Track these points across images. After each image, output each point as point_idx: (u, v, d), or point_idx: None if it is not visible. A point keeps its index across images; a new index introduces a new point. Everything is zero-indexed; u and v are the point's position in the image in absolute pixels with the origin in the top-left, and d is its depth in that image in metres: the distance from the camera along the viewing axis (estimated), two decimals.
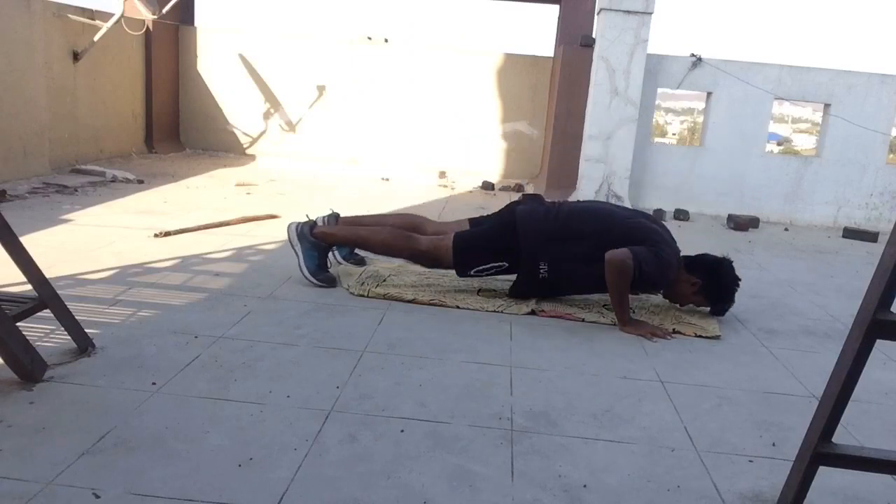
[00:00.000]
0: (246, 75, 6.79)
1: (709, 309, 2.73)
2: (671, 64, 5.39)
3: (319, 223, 2.84)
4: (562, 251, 2.60)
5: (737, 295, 2.69)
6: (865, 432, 1.86)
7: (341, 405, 1.75)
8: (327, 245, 2.80)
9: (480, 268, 2.68)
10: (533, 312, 2.61)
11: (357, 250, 3.08)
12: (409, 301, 2.62)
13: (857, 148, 5.41)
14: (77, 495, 1.31)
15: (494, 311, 2.60)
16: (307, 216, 2.88)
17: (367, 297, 2.64)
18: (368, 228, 2.81)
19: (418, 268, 3.06)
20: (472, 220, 2.86)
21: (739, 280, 2.70)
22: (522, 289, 2.71)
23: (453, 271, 3.03)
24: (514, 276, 2.72)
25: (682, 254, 2.69)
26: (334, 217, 2.90)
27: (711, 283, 2.65)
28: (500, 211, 2.82)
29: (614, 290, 2.49)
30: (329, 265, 2.84)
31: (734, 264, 2.70)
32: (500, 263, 2.66)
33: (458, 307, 2.61)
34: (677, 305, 2.76)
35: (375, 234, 2.77)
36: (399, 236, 2.74)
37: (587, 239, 2.58)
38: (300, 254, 2.74)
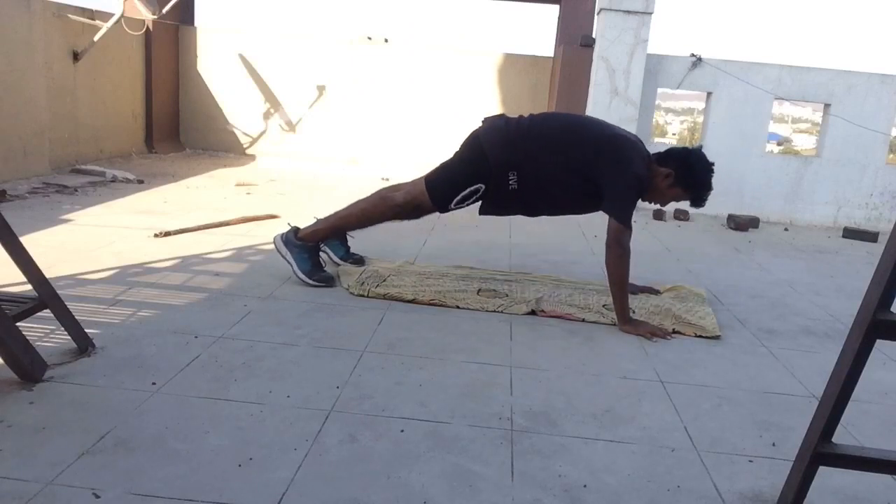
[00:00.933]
0: (246, 75, 6.79)
1: (689, 203, 2.71)
2: (671, 64, 5.39)
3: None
4: (530, 160, 2.60)
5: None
6: (865, 432, 1.86)
7: (341, 405, 1.75)
8: (315, 244, 2.81)
9: (459, 197, 2.66)
10: (533, 312, 2.61)
11: (353, 250, 3.08)
12: (409, 301, 2.62)
13: (857, 148, 5.41)
14: (77, 495, 1.31)
15: (494, 312, 2.60)
16: (288, 224, 2.89)
17: (367, 297, 2.64)
18: (346, 208, 2.83)
19: (418, 268, 3.06)
20: (441, 164, 2.85)
21: (713, 164, 2.69)
22: (492, 202, 2.70)
23: (455, 272, 3.03)
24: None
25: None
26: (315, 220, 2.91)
27: (684, 172, 2.64)
28: (464, 140, 2.79)
29: (615, 275, 2.51)
30: (324, 264, 2.84)
31: (703, 149, 2.72)
32: (476, 186, 2.63)
33: (458, 307, 2.61)
34: (677, 305, 2.76)
35: (353, 208, 2.79)
36: (376, 200, 2.76)
37: (555, 149, 2.59)
38: (291, 260, 2.75)
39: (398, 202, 2.72)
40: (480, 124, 2.77)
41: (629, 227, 2.54)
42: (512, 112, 6.48)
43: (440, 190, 2.67)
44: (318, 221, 2.86)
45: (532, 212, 2.79)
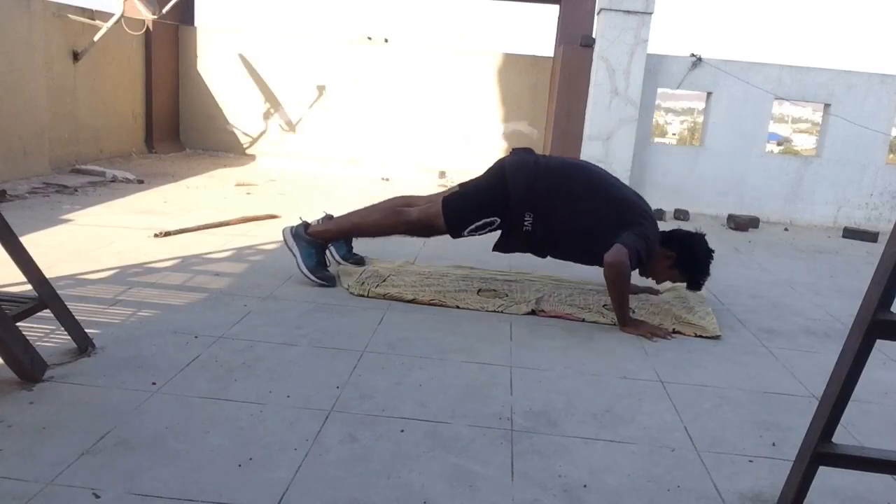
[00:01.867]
0: (246, 75, 6.79)
1: (685, 285, 2.75)
2: (671, 64, 5.39)
3: (314, 224, 2.86)
4: (548, 206, 2.59)
5: (712, 268, 2.72)
6: (865, 432, 1.86)
7: (341, 405, 1.75)
8: (323, 242, 2.81)
9: (473, 226, 2.65)
10: (533, 312, 2.61)
11: (355, 250, 3.08)
12: (409, 301, 2.62)
13: (857, 148, 5.41)
14: (77, 495, 1.31)
15: (494, 312, 2.60)
16: (300, 218, 2.89)
17: (368, 297, 2.64)
18: (360, 214, 2.82)
19: (418, 268, 3.06)
20: (461, 185, 2.85)
21: (713, 252, 2.72)
22: (505, 240, 2.70)
23: (455, 272, 3.03)
24: None
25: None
26: (328, 218, 2.92)
27: (686, 256, 2.67)
28: (490, 167, 2.79)
29: (615, 290, 2.49)
30: (328, 264, 2.85)
31: (706, 237, 2.74)
32: (492, 219, 2.63)
33: (458, 307, 2.61)
34: (677, 305, 2.76)
35: (367, 217, 2.79)
36: (390, 213, 2.75)
37: (574, 200, 2.58)
38: (297, 253, 2.75)
39: (412, 220, 2.71)
40: (509, 154, 2.77)
41: (631, 263, 2.47)
42: (511, 111, 6.43)
43: (456, 216, 2.66)
44: (331, 221, 2.86)
45: (541, 254, 2.79)
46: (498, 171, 2.69)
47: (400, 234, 2.82)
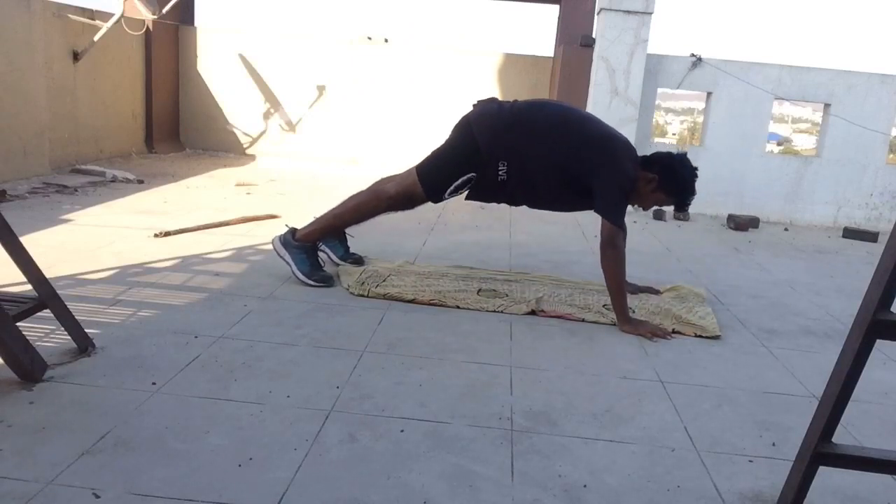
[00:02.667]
0: (246, 75, 6.79)
1: (673, 207, 2.72)
2: (671, 64, 5.39)
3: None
4: (519, 150, 2.58)
5: (697, 185, 2.67)
6: (865, 432, 1.86)
7: (341, 405, 1.75)
8: (312, 244, 2.81)
9: (452, 187, 2.64)
10: (533, 312, 2.61)
11: (353, 250, 3.08)
12: (409, 301, 2.62)
13: (857, 148, 5.41)
14: (77, 495, 1.31)
15: (494, 312, 2.60)
16: (286, 225, 2.89)
17: (367, 296, 2.64)
18: (339, 205, 2.83)
19: (418, 268, 3.06)
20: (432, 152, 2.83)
21: (696, 169, 2.68)
22: (480, 190, 2.69)
23: (454, 272, 3.03)
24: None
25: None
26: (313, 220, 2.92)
27: (668, 176, 2.62)
28: (455, 125, 2.76)
29: (611, 273, 2.51)
30: (323, 264, 2.85)
31: (688, 155, 2.71)
32: (469, 175, 2.62)
33: (458, 307, 2.61)
34: (677, 305, 2.76)
35: (347, 204, 2.80)
36: (368, 195, 2.77)
37: (544, 141, 2.57)
38: (290, 261, 2.76)
39: (390, 194, 2.72)
40: (472, 108, 2.75)
41: (623, 228, 2.54)
42: None
43: (432, 180, 2.67)
44: (314, 221, 2.86)
45: (516, 203, 2.79)
46: (464, 126, 2.67)
47: (384, 213, 2.81)
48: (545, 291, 2.84)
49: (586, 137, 2.60)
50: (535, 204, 2.80)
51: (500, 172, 2.61)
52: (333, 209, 2.84)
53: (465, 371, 2.03)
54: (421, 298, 2.63)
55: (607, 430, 1.74)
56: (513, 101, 2.74)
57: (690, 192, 2.67)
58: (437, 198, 2.70)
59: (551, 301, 2.72)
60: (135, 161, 5.88)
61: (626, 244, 2.60)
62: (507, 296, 2.75)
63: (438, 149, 2.76)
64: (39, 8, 4.59)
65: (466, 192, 2.72)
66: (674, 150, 2.74)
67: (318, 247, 2.89)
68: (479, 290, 2.79)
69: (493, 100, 2.77)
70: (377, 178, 2.90)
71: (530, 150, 2.59)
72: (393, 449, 1.56)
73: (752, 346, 2.49)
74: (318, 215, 2.92)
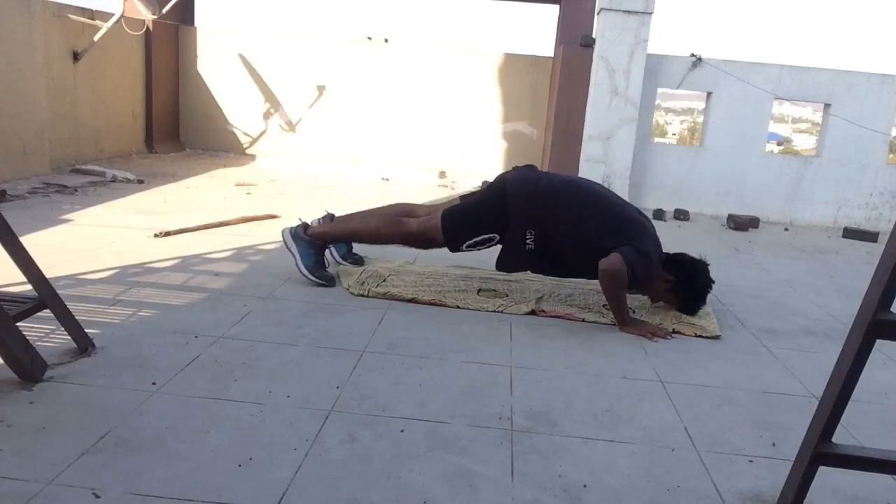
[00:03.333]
0: (246, 75, 6.79)
1: (676, 308, 2.71)
2: (671, 64, 5.39)
3: (313, 224, 2.86)
4: (550, 224, 2.57)
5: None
6: (865, 432, 1.86)
7: (341, 405, 1.75)
8: (322, 243, 2.81)
9: (471, 241, 2.64)
10: (533, 312, 2.61)
11: (355, 250, 3.08)
12: (409, 300, 2.62)
13: (857, 148, 5.41)
14: (77, 495, 1.31)
15: (494, 311, 2.60)
16: (300, 219, 2.89)
17: (368, 296, 2.64)
18: (359, 220, 2.82)
19: (418, 268, 3.06)
20: (462, 197, 2.84)
21: (713, 282, 2.70)
22: (507, 258, 2.68)
23: (454, 272, 3.03)
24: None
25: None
26: (329, 217, 2.92)
27: (685, 282, 2.64)
28: (491, 182, 2.77)
29: (610, 296, 2.50)
30: (327, 264, 2.85)
31: (710, 267, 2.71)
32: (491, 235, 2.62)
33: (458, 307, 2.61)
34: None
35: (366, 223, 2.78)
36: (389, 222, 2.75)
37: (575, 218, 2.56)
38: (296, 253, 2.75)
39: (411, 231, 2.71)
40: (511, 170, 2.75)
41: (627, 273, 2.45)
42: (511, 111, 6.45)
43: (454, 229, 2.65)
44: (331, 224, 2.86)
45: (543, 272, 2.77)
46: (499, 187, 2.67)
47: (398, 244, 2.83)
48: (545, 291, 2.84)
49: (621, 224, 2.58)
50: (561, 274, 2.79)
51: (527, 241, 2.60)
52: (352, 220, 2.82)
53: (465, 371, 2.03)
54: (421, 298, 2.64)
55: (607, 430, 1.74)
56: (551, 173, 2.74)
57: (702, 301, 2.69)
58: (455, 247, 2.69)
59: (551, 301, 2.72)
60: (135, 161, 5.88)
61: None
62: (507, 295, 2.75)
63: (468, 200, 2.75)
64: (39, 8, 4.59)
65: (496, 259, 2.70)
66: (696, 257, 2.73)
67: (327, 246, 2.89)
68: (479, 290, 2.79)
69: (532, 168, 2.77)
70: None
71: (561, 224, 2.57)
72: (393, 449, 1.56)
73: (752, 346, 2.49)
74: (330, 211, 2.92)
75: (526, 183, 2.64)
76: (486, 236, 2.63)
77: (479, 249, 2.69)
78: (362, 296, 2.65)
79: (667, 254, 2.71)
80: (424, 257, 3.32)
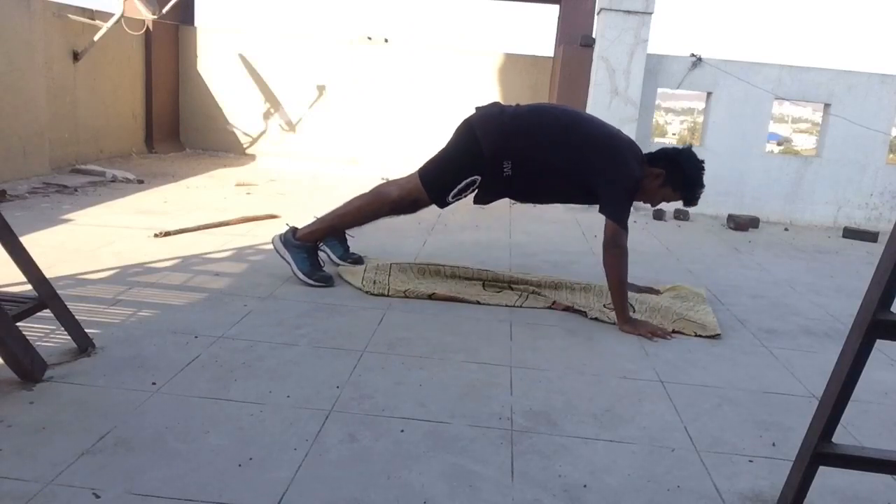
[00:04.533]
0: (246, 75, 6.79)
1: (681, 202, 2.71)
2: (671, 64, 5.39)
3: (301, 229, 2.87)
4: (523, 150, 2.59)
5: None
6: (865, 432, 1.86)
7: (341, 405, 1.75)
8: (313, 244, 2.81)
9: (455, 190, 2.65)
10: (554, 304, 2.67)
11: (353, 250, 3.08)
12: (429, 297, 2.65)
13: (857, 148, 5.41)
14: (77, 495, 1.31)
15: (513, 307, 2.65)
16: (286, 224, 2.89)
17: (388, 295, 2.66)
18: (343, 206, 2.83)
19: (418, 267, 3.05)
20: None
21: (703, 162, 2.67)
22: (486, 191, 2.69)
23: (455, 271, 3.03)
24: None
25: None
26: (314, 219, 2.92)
27: (674, 170, 2.62)
28: (456, 129, 2.77)
29: (614, 277, 2.52)
30: (322, 264, 2.85)
31: (693, 148, 2.72)
32: (472, 178, 2.63)
33: (478, 303, 2.65)
34: (677, 304, 2.76)
35: (349, 206, 2.80)
36: (371, 198, 2.77)
37: (548, 141, 2.58)
38: (290, 260, 2.76)
39: (394, 198, 2.73)
40: (473, 112, 2.75)
41: (626, 228, 2.55)
42: None
43: (436, 184, 2.67)
44: (316, 221, 2.86)
45: (524, 199, 2.81)
46: (466, 130, 2.68)
47: (386, 216, 2.82)
48: (545, 292, 2.84)
49: (590, 139, 2.61)
50: (540, 199, 2.83)
51: (504, 169, 2.62)
52: (336, 210, 2.84)
53: (465, 371, 2.03)
54: (441, 293, 2.67)
55: (607, 430, 1.74)
56: (515, 105, 2.74)
57: (698, 184, 2.65)
58: (442, 202, 2.70)
59: (561, 293, 2.79)
60: (135, 161, 5.88)
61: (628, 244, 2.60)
62: (512, 290, 2.78)
63: (441, 152, 2.76)
64: (39, 8, 4.59)
65: (474, 195, 2.73)
66: (679, 146, 2.74)
67: (319, 247, 2.89)
68: (485, 284, 2.82)
69: (495, 104, 2.78)
70: (378, 180, 2.91)
71: (534, 152, 2.60)
72: (393, 449, 1.56)
73: (752, 346, 2.49)
74: (319, 215, 2.92)
75: (492, 118, 2.66)
76: (467, 181, 2.64)
77: (465, 195, 2.70)
78: (382, 294, 2.66)
79: (648, 153, 2.70)
80: (424, 257, 3.32)
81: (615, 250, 2.53)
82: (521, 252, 3.63)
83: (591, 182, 2.60)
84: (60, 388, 1.72)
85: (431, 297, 2.64)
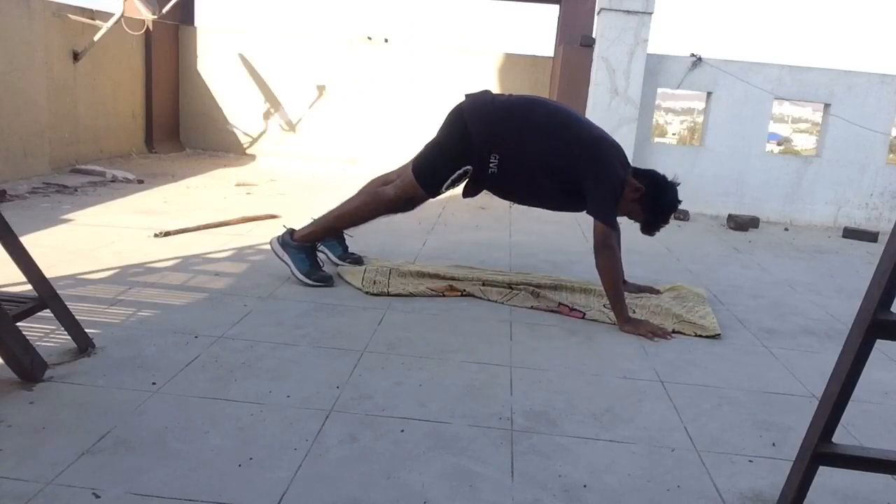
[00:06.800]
0: (246, 75, 6.79)
1: (639, 226, 2.72)
2: (671, 64, 5.39)
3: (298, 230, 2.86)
4: (512, 145, 2.58)
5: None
6: (865, 432, 1.86)
7: (341, 405, 1.75)
8: (311, 244, 2.81)
9: (448, 181, 2.65)
10: (560, 306, 2.66)
11: (352, 250, 3.08)
12: (437, 295, 2.68)
13: (857, 148, 5.41)
14: (77, 495, 1.31)
15: (520, 307, 2.65)
16: (284, 226, 2.89)
17: (389, 294, 2.67)
18: (339, 206, 2.83)
19: (418, 267, 3.05)
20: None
21: (680, 201, 2.68)
22: (473, 185, 2.69)
23: (455, 271, 3.03)
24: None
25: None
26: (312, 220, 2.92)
27: (653, 194, 2.62)
28: (447, 117, 2.76)
29: (608, 279, 2.52)
30: (322, 265, 2.85)
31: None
32: (465, 168, 2.63)
33: (489, 300, 2.68)
34: (677, 305, 2.76)
35: (347, 206, 2.79)
36: (368, 197, 2.77)
37: (537, 138, 2.57)
38: (289, 261, 2.76)
39: (391, 197, 2.72)
40: (464, 99, 2.75)
41: (614, 228, 2.55)
42: None
43: (429, 176, 2.67)
44: (313, 223, 2.86)
45: (508, 198, 2.81)
46: (456, 117, 2.67)
47: (384, 215, 2.81)
48: (544, 293, 2.84)
49: (578, 137, 2.61)
50: (525, 199, 2.81)
51: (491, 165, 2.61)
52: (333, 211, 2.84)
53: (465, 371, 2.03)
54: (456, 286, 2.71)
55: (607, 430, 1.74)
56: (507, 94, 2.74)
57: (665, 218, 2.68)
58: (435, 193, 2.70)
59: (559, 294, 2.78)
60: (135, 161, 5.88)
61: (620, 244, 2.60)
62: (511, 289, 2.78)
63: (431, 143, 2.75)
64: (39, 8, 4.59)
65: (464, 187, 2.73)
66: (669, 178, 2.72)
67: (317, 247, 2.89)
68: (483, 283, 2.82)
69: (486, 92, 2.77)
70: (373, 177, 2.91)
71: (522, 144, 2.59)
72: (393, 449, 1.56)
73: (752, 346, 2.49)
74: (316, 216, 2.91)
75: (481, 106, 2.65)
76: (460, 171, 2.63)
77: (459, 184, 2.69)
78: (382, 294, 2.66)
79: (637, 168, 2.70)
80: (425, 257, 3.32)
81: (606, 251, 2.52)
82: (522, 252, 3.63)
83: (576, 182, 2.58)
84: (60, 388, 1.72)
85: (432, 289, 2.65)
